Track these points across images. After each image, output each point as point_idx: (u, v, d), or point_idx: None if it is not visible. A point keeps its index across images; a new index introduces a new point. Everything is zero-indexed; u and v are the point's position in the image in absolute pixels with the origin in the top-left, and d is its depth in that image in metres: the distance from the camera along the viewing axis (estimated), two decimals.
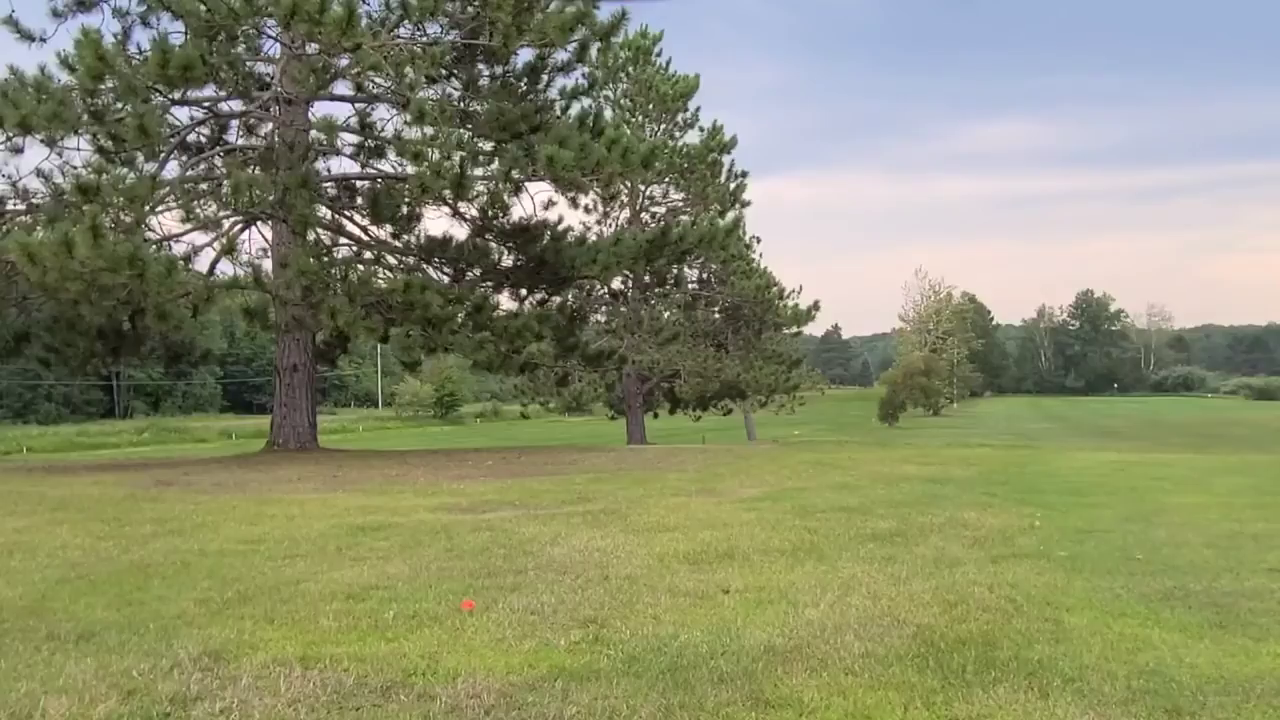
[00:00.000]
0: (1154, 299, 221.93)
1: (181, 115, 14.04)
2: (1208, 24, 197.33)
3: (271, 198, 12.23)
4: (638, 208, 28.40)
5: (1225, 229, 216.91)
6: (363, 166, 15.14)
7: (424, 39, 13.08)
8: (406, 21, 13.19)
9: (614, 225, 27.12)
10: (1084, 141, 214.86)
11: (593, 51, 14.38)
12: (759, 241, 30.05)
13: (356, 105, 14.73)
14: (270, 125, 14.63)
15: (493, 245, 15.16)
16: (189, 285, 12.34)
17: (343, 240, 15.46)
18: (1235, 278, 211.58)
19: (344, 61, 13.01)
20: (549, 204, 15.98)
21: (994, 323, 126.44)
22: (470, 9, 13.26)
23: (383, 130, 14.62)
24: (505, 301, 15.85)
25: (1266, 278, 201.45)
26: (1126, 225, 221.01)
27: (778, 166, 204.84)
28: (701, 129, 28.44)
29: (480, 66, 14.16)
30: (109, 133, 12.28)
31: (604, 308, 28.41)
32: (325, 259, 14.14)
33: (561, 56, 14.23)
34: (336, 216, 15.12)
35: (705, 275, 29.36)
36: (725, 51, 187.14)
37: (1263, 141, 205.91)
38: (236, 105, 14.55)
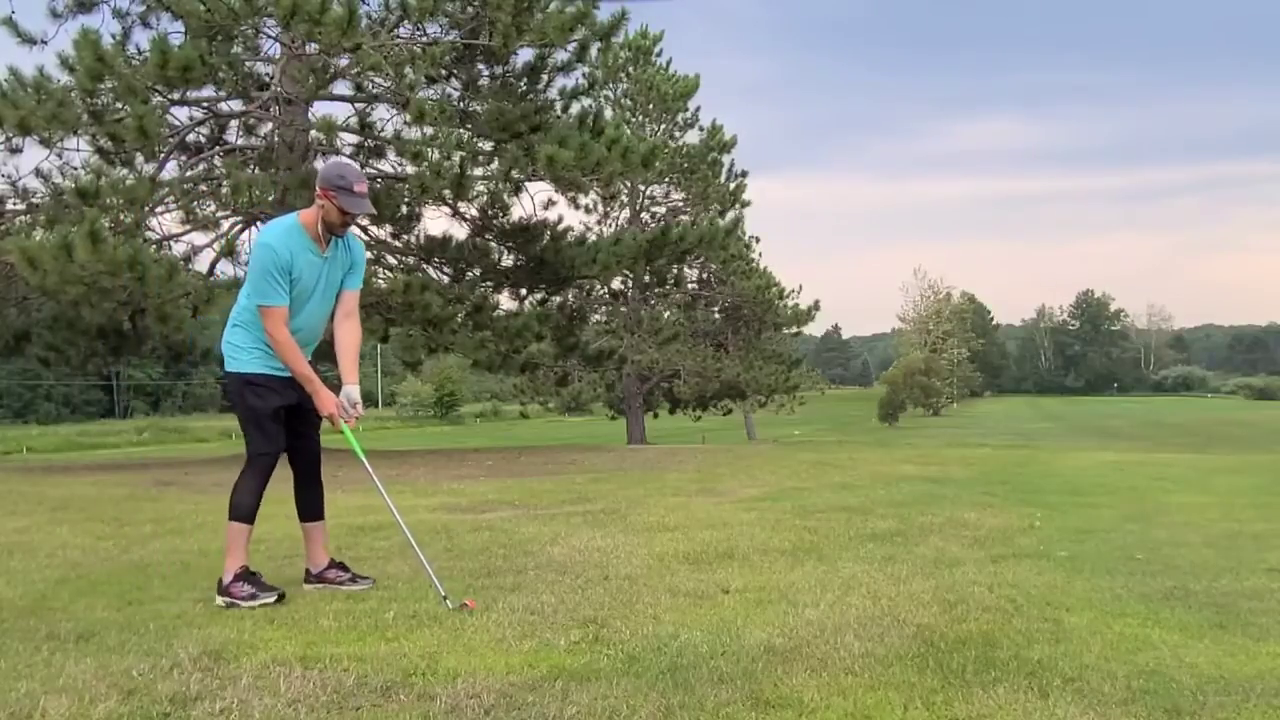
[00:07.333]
0: (1154, 299, 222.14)
1: (181, 115, 14.04)
2: (1209, 23, 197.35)
3: (271, 198, 12.23)
4: (638, 208, 28.42)
5: (1226, 229, 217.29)
6: (363, 166, 15.14)
7: (424, 39, 13.08)
8: (406, 21, 13.19)
9: (614, 225, 27.16)
10: (1085, 140, 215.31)
11: (593, 51, 14.38)
12: (758, 241, 30.12)
13: (356, 105, 14.72)
14: (270, 125, 14.62)
15: (493, 245, 15.17)
16: (189, 286, 12.35)
17: None
18: (1235, 278, 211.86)
19: (344, 61, 13.01)
20: (549, 204, 16.01)
21: (994, 323, 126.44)
22: (470, 9, 13.26)
23: (383, 130, 14.62)
24: (505, 301, 15.88)
25: (1266, 278, 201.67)
26: (1127, 225, 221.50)
27: (772, 166, 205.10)
28: (701, 129, 28.50)
29: (480, 66, 14.16)
30: (108, 133, 12.28)
31: (604, 308, 28.43)
32: None
33: (561, 56, 14.23)
34: None
35: (705, 275, 29.41)
36: (709, 50, 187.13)
37: (1264, 141, 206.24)
38: (236, 105, 14.55)
